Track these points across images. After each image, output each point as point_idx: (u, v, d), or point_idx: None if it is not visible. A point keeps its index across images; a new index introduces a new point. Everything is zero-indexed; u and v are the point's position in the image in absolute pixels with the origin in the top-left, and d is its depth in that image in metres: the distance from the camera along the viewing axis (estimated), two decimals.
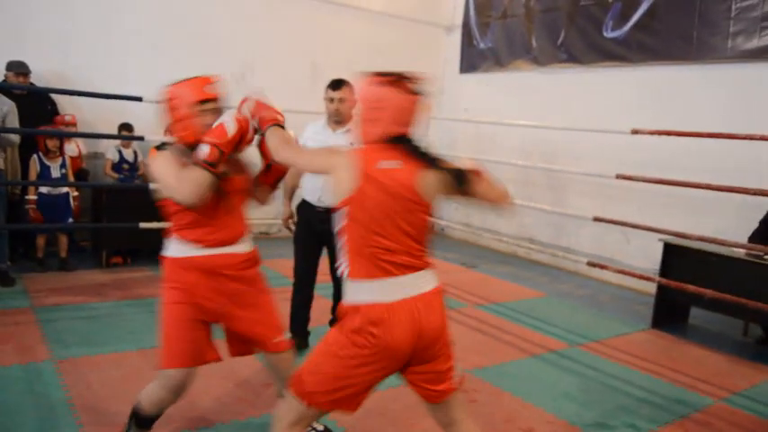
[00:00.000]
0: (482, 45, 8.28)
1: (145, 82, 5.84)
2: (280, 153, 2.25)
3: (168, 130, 2.45)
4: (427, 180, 2.04)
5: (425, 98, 2.16)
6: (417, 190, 2.02)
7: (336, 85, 3.74)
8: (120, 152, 6.02)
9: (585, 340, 4.66)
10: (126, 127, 5.96)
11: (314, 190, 3.84)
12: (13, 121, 4.86)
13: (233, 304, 2.47)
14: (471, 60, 8.48)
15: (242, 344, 2.60)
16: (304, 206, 3.94)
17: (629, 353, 4.45)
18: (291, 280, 4.06)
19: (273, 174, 2.62)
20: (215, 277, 2.42)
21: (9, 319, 4.21)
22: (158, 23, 6.61)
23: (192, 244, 2.40)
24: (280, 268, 5.47)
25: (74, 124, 5.73)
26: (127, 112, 5.96)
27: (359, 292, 2.03)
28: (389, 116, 2.06)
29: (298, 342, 4.00)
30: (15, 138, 4.97)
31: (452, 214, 8.45)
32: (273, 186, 2.68)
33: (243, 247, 2.52)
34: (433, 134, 6.86)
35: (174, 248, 2.44)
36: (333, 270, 3.92)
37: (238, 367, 3.70)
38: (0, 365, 3.49)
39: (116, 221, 5.55)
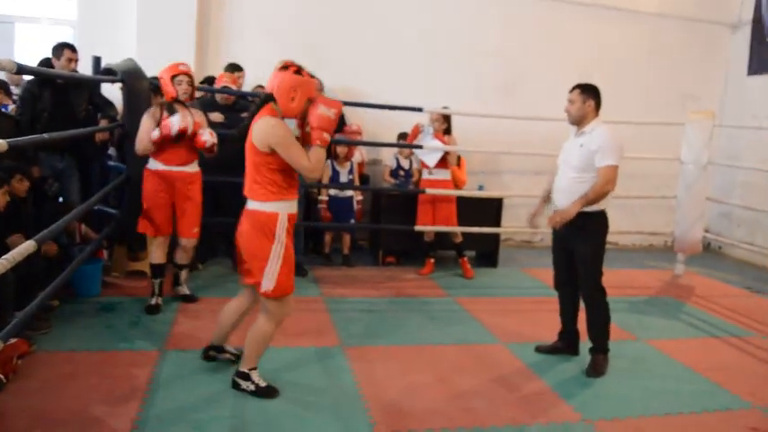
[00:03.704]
0: None
1: (422, 94, 6.27)
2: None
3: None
4: None
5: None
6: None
7: (571, 89, 3.86)
8: (397, 159, 6.47)
9: None
10: (404, 136, 6.40)
11: (553, 192, 3.94)
12: None
13: None
14: (762, 60, 7.59)
15: None
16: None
17: None
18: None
19: None
20: None
21: (305, 306, 4.77)
22: (433, 39, 6.99)
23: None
24: (544, 278, 5.48)
25: (359, 133, 6.30)
26: (405, 123, 6.39)
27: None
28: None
29: (568, 350, 4.10)
30: None
31: (733, 231, 7.65)
32: None
33: None
34: (714, 142, 6.28)
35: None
36: (580, 283, 3.88)
37: (508, 372, 3.79)
38: (300, 346, 3.98)
39: (392, 223, 6.01)
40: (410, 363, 3.84)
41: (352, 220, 6.09)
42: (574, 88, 3.83)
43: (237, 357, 3.49)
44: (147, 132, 4.24)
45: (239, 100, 5.58)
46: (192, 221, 4.50)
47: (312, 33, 6.69)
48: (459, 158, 6.09)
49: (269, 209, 3.03)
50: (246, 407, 3.13)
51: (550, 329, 4.18)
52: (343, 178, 5.98)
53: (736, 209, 7.49)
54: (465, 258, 6.03)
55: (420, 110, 5.52)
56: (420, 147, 5.71)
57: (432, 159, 5.76)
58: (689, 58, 7.91)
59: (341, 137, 6.02)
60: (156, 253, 4.52)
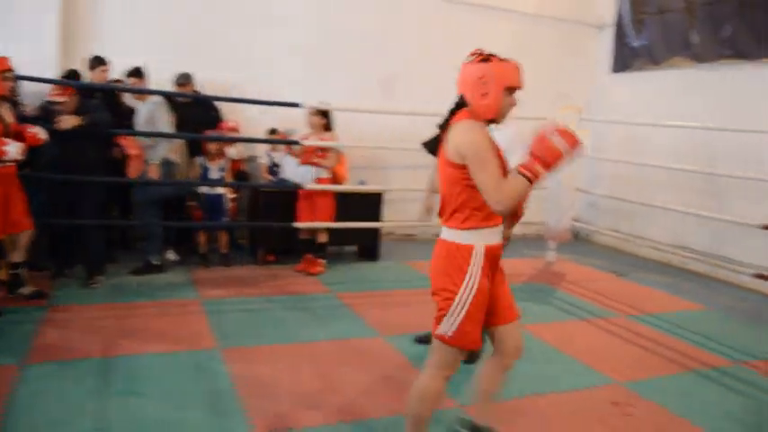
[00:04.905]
0: (636, 43, 7.90)
1: (304, 91, 6.17)
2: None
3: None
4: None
5: None
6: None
7: None
8: (270, 156, 6.34)
9: (752, 359, 4.29)
10: (273, 132, 6.31)
11: None
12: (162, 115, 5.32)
13: None
14: (624, 59, 8.11)
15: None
16: None
17: None
18: None
19: None
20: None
21: (180, 309, 4.59)
22: (315, 36, 6.92)
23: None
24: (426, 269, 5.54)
25: (237, 130, 6.12)
26: (280, 119, 6.32)
27: None
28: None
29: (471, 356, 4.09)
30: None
31: (600, 219, 8.12)
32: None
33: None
34: (581, 136, 6.61)
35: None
36: None
37: (387, 365, 3.80)
38: (174, 351, 3.80)
39: (271, 221, 5.88)
40: (290, 361, 3.76)
41: (225, 219, 5.89)
42: None
43: None
44: None
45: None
46: (21, 213, 4.29)
47: (184, 27, 6.41)
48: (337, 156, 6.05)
49: (461, 239, 2.43)
50: (112, 417, 2.95)
51: (431, 319, 4.21)
52: (214, 174, 5.76)
53: (602, 199, 7.94)
54: (315, 257, 5.85)
55: (297, 105, 5.44)
56: (295, 142, 5.63)
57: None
58: (560, 55, 8.30)
59: (213, 133, 5.83)
60: None
